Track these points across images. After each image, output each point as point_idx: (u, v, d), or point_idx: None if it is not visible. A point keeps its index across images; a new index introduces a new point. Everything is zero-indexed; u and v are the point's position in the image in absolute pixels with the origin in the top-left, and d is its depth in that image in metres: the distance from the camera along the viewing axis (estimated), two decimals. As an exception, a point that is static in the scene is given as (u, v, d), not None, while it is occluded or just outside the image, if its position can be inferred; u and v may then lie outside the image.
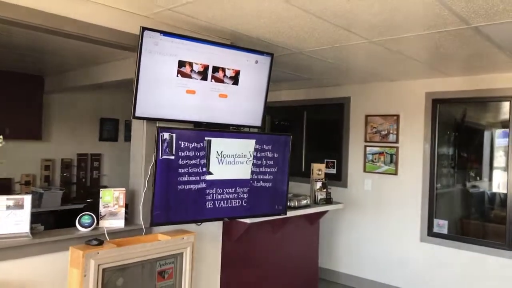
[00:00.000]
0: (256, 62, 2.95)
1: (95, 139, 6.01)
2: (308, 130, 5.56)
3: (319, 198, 3.82)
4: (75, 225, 2.33)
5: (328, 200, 3.89)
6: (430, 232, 4.32)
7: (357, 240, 4.85)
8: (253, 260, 3.45)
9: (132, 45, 2.56)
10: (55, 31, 2.37)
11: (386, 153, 4.65)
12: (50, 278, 2.17)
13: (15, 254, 2.07)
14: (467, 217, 4.46)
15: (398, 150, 4.56)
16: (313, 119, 5.56)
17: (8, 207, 2.09)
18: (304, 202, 3.62)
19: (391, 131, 4.63)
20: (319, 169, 3.98)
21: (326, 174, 4.92)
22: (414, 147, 4.45)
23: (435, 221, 4.32)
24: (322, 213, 3.91)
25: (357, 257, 4.85)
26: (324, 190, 3.88)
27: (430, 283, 4.29)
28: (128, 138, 6.18)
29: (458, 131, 4.63)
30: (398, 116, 4.58)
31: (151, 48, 2.48)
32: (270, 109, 5.95)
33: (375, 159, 4.74)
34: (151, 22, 2.62)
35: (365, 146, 4.83)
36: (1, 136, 2.29)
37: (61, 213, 4.87)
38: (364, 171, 4.83)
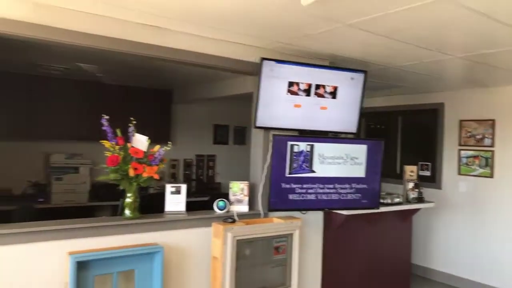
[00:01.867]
0: (352, 78, 3.49)
1: (210, 142, 7.00)
2: (403, 134, 5.87)
3: (411, 197, 4.20)
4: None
5: (419, 199, 4.24)
6: (527, 234, 4.39)
7: (453, 239, 5.06)
8: (349, 249, 3.97)
9: (250, 71, 3.29)
10: (194, 64, 3.20)
11: (481, 156, 4.80)
12: (199, 245, 2.99)
13: (176, 225, 2.92)
14: None
15: (494, 154, 4.69)
16: (407, 123, 5.85)
17: (171, 192, 2.95)
18: (397, 199, 4.04)
19: (486, 135, 4.77)
20: (411, 170, 4.34)
21: (420, 176, 5.24)
22: (510, 151, 4.55)
23: (533, 223, 4.38)
24: (414, 211, 4.28)
25: (452, 256, 5.06)
26: (416, 189, 4.24)
27: (528, 284, 4.36)
28: (237, 141, 7.12)
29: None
30: (493, 120, 4.71)
31: (268, 73, 3.18)
32: (365, 114, 6.36)
33: (469, 162, 4.91)
34: (268, 52, 3.32)
35: (459, 150, 5.02)
36: (148, 138, 2.84)
37: (186, 204, 5.88)
38: (459, 173, 5.02)
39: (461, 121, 5.04)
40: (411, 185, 4.24)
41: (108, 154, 2.66)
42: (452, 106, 5.15)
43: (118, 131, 2.73)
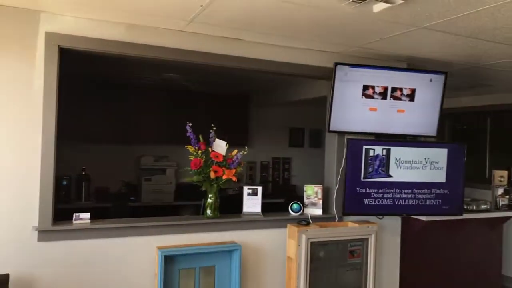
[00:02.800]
0: (431, 80, 3.37)
1: (285, 145, 7.12)
2: (492, 136, 5.46)
3: (500, 204, 3.92)
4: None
5: (511, 206, 3.93)
6: None
7: (550, 252, 4.60)
8: (430, 257, 3.82)
9: (325, 76, 3.33)
10: (270, 72, 3.34)
11: None
12: (274, 245, 3.11)
13: (252, 226, 3.07)
14: None
15: None
16: (497, 125, 5.43)
17: (248, 194, 3.11)
18: (483, 206, 3.80)
19: None
20: (501, 175, 4.05)
21: (512, 181, 4.84)
22: None
23: None
24: (505, 219, 3.98)
25: (549, 270, 4.60)
26: (507, 196, 3.94)
27: None
28: (312, 144, 7.14)
29: None
30: None
31: (342, 78, 3.21)
32: (450, 115, 6.04)
33: None
34: (341, 57, 3.35)
35: (561, 153, 4.55)
36: (227, 143, 2.99)
37: (262, 205, 6.06)
38: (559, 179, 4.54)
39: (561, 121, 4.56)
40: (500, 191, 3.95)
41: (191, 158, 2.89)
42: (551, 105, 4.69)
43: (201, 137, 2.96)
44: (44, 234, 2.49)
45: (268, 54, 3.16)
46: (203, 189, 2.92)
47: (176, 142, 2.89)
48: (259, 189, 3.14)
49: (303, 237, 2.83)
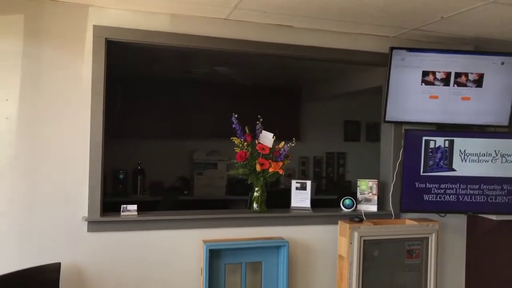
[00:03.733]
0: (502, 63, 3.02)
1: (340, 139, 6.85)
2: None
3: None
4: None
5: None
6: None
7: None
8: (500, 261, 3.44)
9: (381, 62, 3.10)
10: (322, 59, 3.17)
11: None
12: (324, 242, 2.95)
13: (301, 221, 2.93)
14: None
15: None
16: None
17: (297, 188, 2.98)
18: None
19: None
20: None
21: None
22: None
23: None
24: None
25: None
26: None
27: None
28: (369, 138, 6.81)
29: None
30: None
31: (398, 63, 2.96)
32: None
33: None
34: (398, 41, 3.10)
35: None
36: (274, 135, 2.86)
37: (315, 201, 5.87)
38: None
39: None
40: None
41: (237, 150, 2.81)
42: None
43: (247, 129, 2.87)
44: (93, 225, 2.53)
45: (318, 41, 3.00)
46: (249, 182, 2.82)
47: (227, 136, 2.83)
48: (308, 183, 2.99)
49: (355, 234, 2.65)
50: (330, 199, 5.29)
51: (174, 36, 2.68)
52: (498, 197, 2.92)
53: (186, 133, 5.54)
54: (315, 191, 6.02)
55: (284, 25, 2.88)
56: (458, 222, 3.25)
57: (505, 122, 3.12)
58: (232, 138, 2.82)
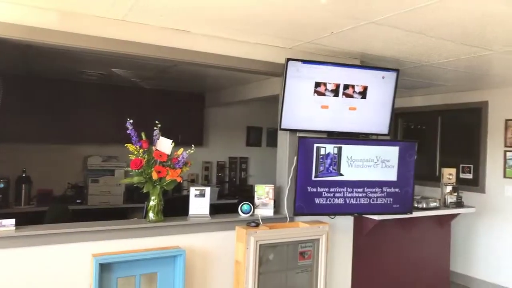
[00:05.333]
0: (383, 77, 3.35)
1: (243, 144, 7.00)
2: (443, 135, 5.58)
3: (449, 201, 3.97)
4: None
5: (458, 204, 4.00)
6: None
7: (495, 246, 4.74)
8: (382, 256, 3.81)
9: (277, 72, 3.23)
10: (219, 67, 3.19)
11: (529, 158, 4.47)
12: (222, 249, 2.96)
13: (199, 229, 2.90)
14: None
15: (543, 156, 4.35)
16: (447, 123, 5.56)
17: (196, 196, 2.94)
18: (433, 204, 3.83)
19: (534, 136, 4.43)
20: (449, 173, 4.11)
21: (461, 179, 4.97)
22: (562, 153, 4.20)
23: None
24: (453, 216, 4.04)
25: (494, 264, 4.74)
26: (455, 193, 4.00)
27: None
28: (270, 143, 7.05)
29: None
30: (543, 119, 4.37)
31: (293, 74, 3.11)
32: (403, 114, 6.14)
33: (516, 164, 4.58)
34: (294, 52, 3.25)
35: (505, 151, 4.69)
36: (172, 142, 2.80)
37: (218, 206, 5.90)
38: (504, 176, 4.69)
39: (507, 120, 4.71)
40: (449, 188, 4.01)
41: (132, 157, 2.69)
42: (497, 105, 4.83)
43: (143, 135, 2.76)
44: (-42, 244, 2.21)
45: (216, 48, 3.01)
46: (145, 191, 2.72)
47: (126, 141, 2.68)
48: (207, 189, 2.98)
49: (252, 239, 2.70)
50: (233, 203, 5.36)
51: (63, 35, 2.48)
52: (378, 199, 3.22)
53: (80, 137, 5.16)
54: (217, 196, 6.05)
55: (181, 30, 2.84)
56: (346, 223, 3.51)
57: (385, 131, 3.46)
58: (126, 144, 2.69)
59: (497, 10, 2.23)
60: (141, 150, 2.70)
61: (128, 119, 2.69)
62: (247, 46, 3.12)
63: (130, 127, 2.69)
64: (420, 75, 4.19)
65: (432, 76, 4.25)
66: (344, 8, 2.32)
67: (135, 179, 2.68)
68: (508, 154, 4.67)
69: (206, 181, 6.57)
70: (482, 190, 4.90)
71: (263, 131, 7.12)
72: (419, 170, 5.63)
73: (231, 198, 6.02)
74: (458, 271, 5.07)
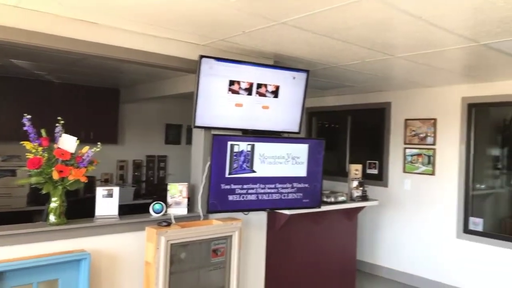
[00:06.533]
0: (294, 78, 3.47)
1: (161, 142, 6.83)
2: (352, 133, 5.96)
3: (355, 195, 4.25)
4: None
5: (364, 197, 4.30)
6: (466, 230, 4.56)
7: (397, 236, 5.18)
8: (294, 249, 3.96)
9: (192, 69, 3.19)
10: (134, 62, 3.08)
11: (424, 154, 4.94)
12: (132, 250, 2.85)
13: (107, 231, 2.77)
14: (505, 216, 4.64)
15: (436, 152, 4.84)
16: (356, 122, 5.95)
17: (103, 196, 2.80)
18: (341, 198, 4.07)
19: (428, 134, 4.91)
20: (356, 169, 4.39)
21: (368, 174, 5.35)
22: (450, 149, 4.71)
23: (471, 219, 4.55)
24: (359, 209, 4.33)
25: (396, 252, 5.18)
26: (361, 188, 4.29)
27: (465, 277, 4.52)
28: (189, 141, 6.91)
29: (500, 134, 4.82)
30: (435, 119, 4.86)
31: (207, 72, 3.10)
32: (317, 113, 6.44)
33: (414, 160, 5.04)
34: (209, 50, 3.24)
35: (405, 148, 5.14)
36: (77, 139, 2.63)
37: (133, 207, 5.69)
38: (404, 171, 5.14)
39: (406, 120, 5.16)
40: (355, 183, 4.29)
41: (29, 156, 2.49)
42: (398, 106, 5.27)
43: (43, 132, 2.57)
44: None
45: (128, 42, 2.90)
46: (44, 191, 2.53)
47: (28, 139, 2.47)
48: (116, 189, 2.85)
49: (162, 239, 2.65)
50: (149, 203, 5.19)
51: None
52: (289, 194, 3.34)
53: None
54: (133, 196, 5.84)
55: (87, 21, 2.68)
56: (259, 219, 3.59)
57: (296, 129, 3.60)
58: (22, 142, 2.48)
59: (393, 17, 2.41)
60: (40, 148, 2.50)
61: (25, 114, 2.48)
62: (160, 41, 3.04)
63: (27, 123, 2.49)
64: (330, 76, 4.42)
65: (342, 78, 4.51)
66: (252, 8, 2.36)
67: (33, 180, 2.48)
68: (407, 150, 5.12)
69: (121, 181, 6.31)
70: (386, 184, 5.32)
71: (183, 129, 7.02)
72: (331, 166, 6.03)
73: (148, 198, 5.84)
74: (365, 260, 5.46)
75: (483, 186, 4.84)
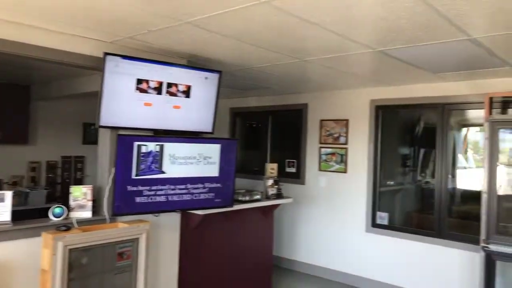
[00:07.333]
0: (206, 78, 3.48)
1: (79, 142, 6.50)
2: (273, 133, 6.12)
3: (270, 193, 4.36)
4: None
5: (278, 195, 4.43)
6: (374, 224, 4.88)
7: (313, 231, 5.41)
8: (210, 248, 3.97)
9: (99, 67, 3.07)
10: (37, 59, 2.91)
11: (337, 153, 5.21)
12: (26, 258, 2.68)
13: (-1, 238, 2.59)
14: (409, 210, 5.05)
15: (347, 151, 5.12)
16: (277, 123, 6.11)
17: (-7, 201, 2.61)
18: (256, 196, 4.16)
19: (341, 134, 5.18)
20: (272, 168, 4.51)
21: (287, 173, 5.52)
22: (360, 148, 5.01)
23: (378, 214, 4.88)
24: (274, 206, 4.45)
25: (312, 247, 5.41)
26: (276, 186, 4.42)
27: (374, 267, 4.84)
28: (109, 141, 6.69)
29: (408, 134, 5.22)
30: (347, 120, 5.14)
31: (113, 70, 3.00)
32: (241, 114, 6.52)
33: (328, 159, 5.29)
34: (116, 47, 3.14)
35: (320, 148, 5.38)
36: None
37: (46, 210, 5.36)
38: (319, 170, 5.38)
39: (321, 120, 5.40)
40: (270, 182, 4.40)
41: None
42: (314, 107, 5.50)
43: None
44: None
45: (21, 36, 2.72)
46: None
47: None
48: (8, 194, 2.67)
49: (60, 244, 2.52)
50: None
51: None
52: (201, 194, 3.35)
53: None
54: (46, 200, 5.50)
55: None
56: (172, 220, 3.55)
57: (209, 129, 3.61)
58: None
59: (290, 22, 2.50)
60: None
61: None
62: (64, 38, 2.92)
63: None
64: (247, 78, 4.49)
65: (259, 79, 4.60)
66: (153, 7, 2.33)
67: None
68: (322, 150, 5.36)
69: (33, 183, 5.91)
70: (303, 182, 5.53)
71: (103, 128, 6.72)
72: (254, 165, 6.13)
73: (64, 201, 5.53)
74: (284, 256, 5.63)
75: (392, 183, 5.21)
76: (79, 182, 6.39)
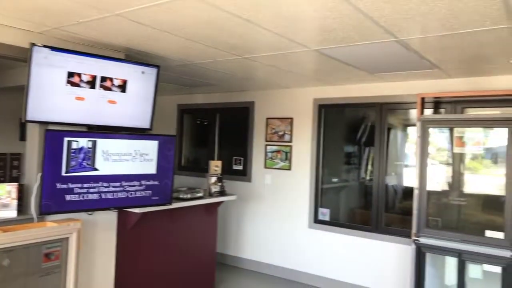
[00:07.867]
0: (143, 72, 3.40)
1: (15, 138, 6.16)
2: (220, 130, 6.09)
3: (213, 191, 4.34)
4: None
5: (222, 192, 4.41)
6: (316, 220, 4.99)
7: (258, 228, 5.45)
8: (149, 247, 3.89)
9: (25, 57, 2.91)
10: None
11: (282, 151, 5.28)
12: None
13: None
14: (352, 207, 5.21)
15: (292, 149, 5.20)
16: (224, 120, 6.09)
17: None
18: (198, 194, 4.12)
19: (286, 132, 5.25)
20: (216, 165, 4.50)
21: (234, 170, 5.52)
22: (304, 146, 5.10)
23: (320, 210, 5.00)
24: (217, 204, 4.44)
25: (257, 244, 5.45)
26: (219, 183, 4.40)
27: (316, 263, 4.96)
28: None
29: (352, 133, 5.36)
30: (292, 118, 5.22)
31: (41, 61, 2.86)
32: (189, 111, 6.44)
33: (273, 156, 5.35)
34: (45, 38, 2.99)
35: (266, 145, 5.42)
36: None
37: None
38: (265, 167, 5.42)
39: (267, 118, 5.44)
40: (214, 179, 4.38)
41: None
42: (261, 105, 5.54)
43: None
44: None
45: None
46: None
47: None
48: None
49: (-25, 246, 2.37)
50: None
51: None
52: (137, 192, 3.27)
53: None
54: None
55: None
56: (108, 219, 3.44)
57: (147, 125, 3.53)
58: None
59: (218, 17, 2.47)
60: None
61: None
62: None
63: None
64: (189, 73, 4.43)
65: (203, 76, 4.56)
66: (78, -4, 2.24)
67: None
68: (268, 147, 5.41)
69: (-38, 182, 5.52)
70: (249, 180, 5.55)
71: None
72: (202, 163, 6.08)
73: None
74: (230, 253, 5.63)
75: (336, 180, 5.35)
76: (15, 180, 6.04)
